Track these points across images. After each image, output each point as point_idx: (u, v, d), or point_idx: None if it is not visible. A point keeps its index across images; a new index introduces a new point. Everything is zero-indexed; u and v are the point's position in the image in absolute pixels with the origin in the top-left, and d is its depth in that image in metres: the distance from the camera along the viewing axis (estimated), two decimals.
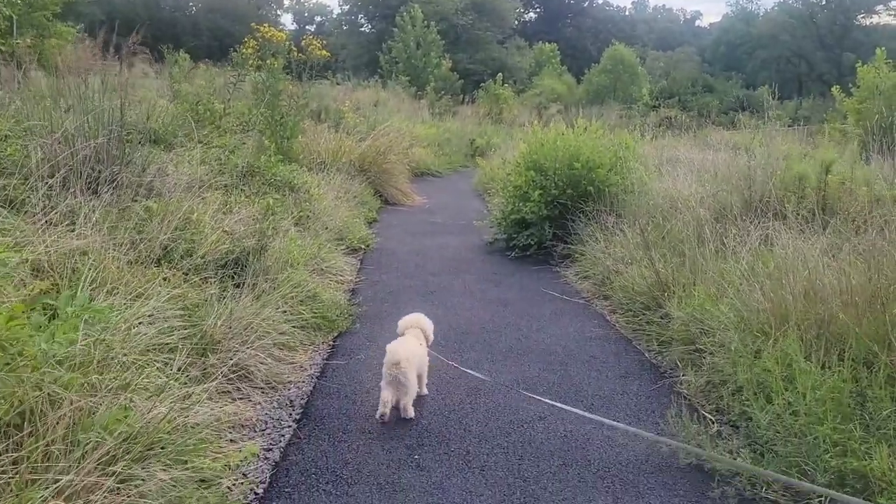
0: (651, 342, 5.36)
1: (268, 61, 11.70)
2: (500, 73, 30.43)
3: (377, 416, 4.02)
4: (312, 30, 62.98)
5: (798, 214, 6.09)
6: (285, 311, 5.44)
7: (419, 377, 4.30)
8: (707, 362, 4.38)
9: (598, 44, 59.64)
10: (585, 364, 5.05)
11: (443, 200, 13.92)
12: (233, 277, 5.52)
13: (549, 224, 8.40)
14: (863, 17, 61.27)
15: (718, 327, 4.50)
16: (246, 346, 4.60)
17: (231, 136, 10.65)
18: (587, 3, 70.94)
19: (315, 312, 5.71)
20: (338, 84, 27.84)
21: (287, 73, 12.25)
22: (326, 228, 8.51)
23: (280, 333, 5.07)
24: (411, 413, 4.10)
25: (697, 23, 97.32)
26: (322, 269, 7.11)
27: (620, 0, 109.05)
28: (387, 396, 4.00)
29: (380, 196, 12.96)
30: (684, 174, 9.14)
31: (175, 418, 3.40)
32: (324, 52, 12.78)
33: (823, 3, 60.69)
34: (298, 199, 8.75)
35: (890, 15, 60.35)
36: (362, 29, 54.52)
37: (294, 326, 5.40)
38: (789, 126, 29.28)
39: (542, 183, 8.44)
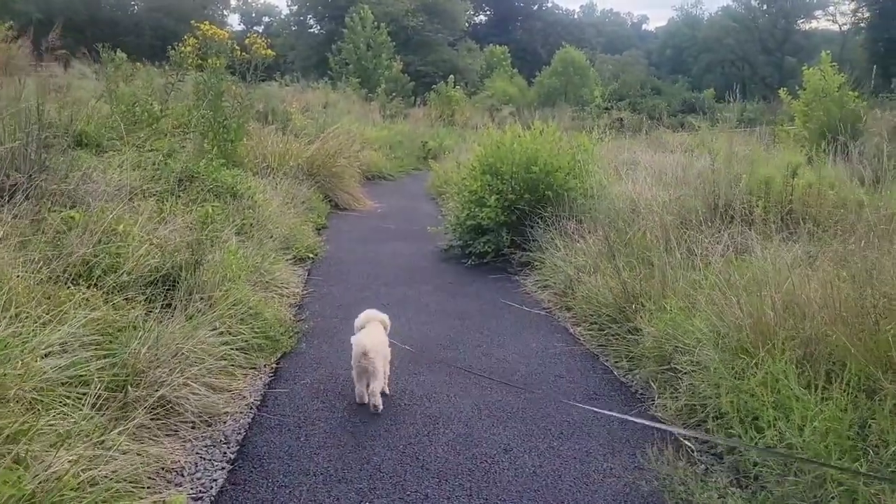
0: (619, 359, 5.00)
1: (209, 60, 11.08)
2: (451, 76, 30.06)
3: (357, 402, 4.28)
4: (260, 30, 61.71)
5: (766, 220, 5.81)
6: (222, 333, 4.92)
7: (385, 363, 4.45)
8: (684, 384, 4.02)
9: (547, 46, 59.88)
10: (551, 385, 4.66)
11: (395, 204, 13.45)
12: (163, 296, 4.98)
13: (506, 230, 8.02)
14: (802, 22, 62.84)
15: (694, 344, 4.15)
16: (175, 375, 4.08)
17: (169, 139, 10.04)
18: (536, 6, 71.17)
19: (257, 332, 5.20)
20: (287, 85, 27.15)
21: (231, 74, 11.66)
22: (272, 237, 7.97)
23: (216, 358, 4.55)
24: (379, 400, 4.20)
25: (644, 27, 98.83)
26: (266, 283, 6.58)
27: (569, 3, 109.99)
28: (361, 390, 4.26)
29: (329, 201, 12.43)
30: (643, 177, 8.87)
31: (82, 472, 2.88)
32: (268, 51, 12.19)
33: (765, 7, 61.98)
34: (241, 207, 8.19)
35: (828, 20, 62.02)
36: (311, 30, 53.62)
37: (233, 349, 4.89)
38: (736, 127, 29.64)
39: (498, 187, 8.05)
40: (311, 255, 8.35)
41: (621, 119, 23.93)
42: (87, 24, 45.31)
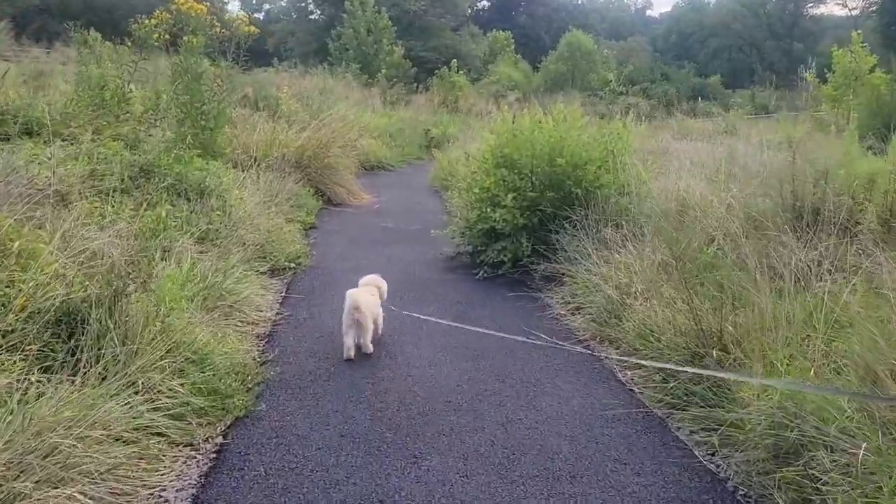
0: (705, 433, 3.53)
1: (186, 39, 9.60)
2: (454, 61, 28.45)
3: (344, 358, 4.52)
4: (261, 17, 59.97)
5: (888, 228, 4.35)
6: (147, 394, 3.49)
7: (375, 322, 4.78)
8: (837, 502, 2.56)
9: (551, 32, 58.04)
10: (610, 479, 3.20)
11: (395, 198, 11.98)
12: (68, 344, 3.54)
13: (526, 236, 6.55)
14: (811, 7, 60.89)
15: (841, 436, 2.69)
16: (54, 480, 2.65)
17: (135, 125, 8.59)
18: None
19: (199, 386, 3.76)
20: (284, 71, 25.62)
21: (212, 54, 10.18)
22: (244, 244, 6.52)
23: (125, 443, 3.12)
24: (371, 348, 4.66)
25: (648, 13, 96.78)
26: (229, 307, 5.13)
27: None
28: (349, 341, 4.57)
29: (321, 195, 10.97)
30: (684, 170, 7.41)
31: None
32: (251, 27, 10.71)
33: None
34: (208, 207, 6.73)
35: (837, 4, 60.07)
36: (311, 17, 51.85)
37: (163, 415, 3.46)
38: (755, 114, 28.11)
39: (515, 184, 6.58)
40: (292, 265, 6.88)
41: (635, 104, 22.37)
42: (83, 9, 43.63)
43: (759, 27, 57.19)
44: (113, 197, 6.19)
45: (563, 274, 6.03)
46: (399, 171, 16.50)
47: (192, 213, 6.49)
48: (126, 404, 3.34)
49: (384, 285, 5.15)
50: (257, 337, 4.96)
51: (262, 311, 5.39)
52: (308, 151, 11.20)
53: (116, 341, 3.60)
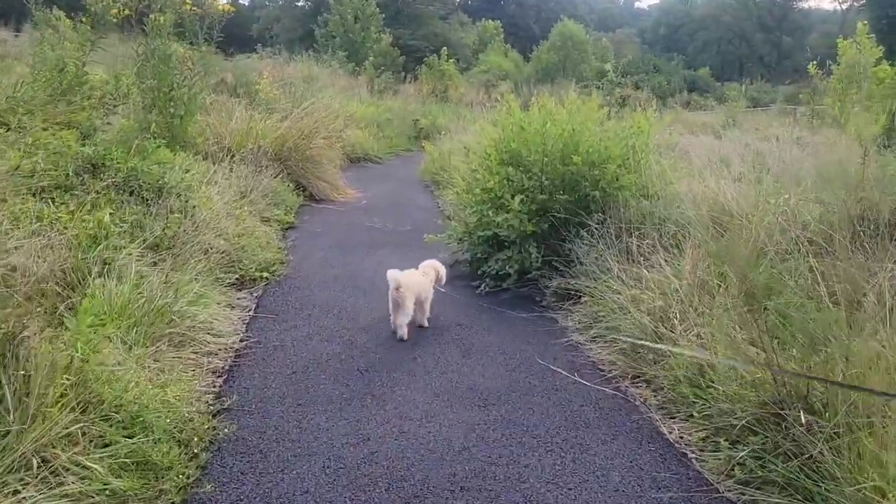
0: None
1: (152, 17, 8.59)
2: (444, 49, 27.39)
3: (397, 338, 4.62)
4: (246, 3, 58.48)
5: None
6: (45, 479, 2.53)
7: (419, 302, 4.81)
8: None
9: (540, 22, 57.10)
10: None
11: (383, 194, 11.02)
12: None
13: (535, 244, 5.62)
14: (800, 0, 60.21)
15: None
16: None
17: (90, 112, 7.58)
18: None
19: (125, 459, 2.81)
20: (268, 57, 24.48)
21: (185, 34, 9.15)
22: (207, 252, 5.54)
23: None
24: (405, 331, 4.62)
25: (637, 4, 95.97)
26: (180, 336, 4.17)
27: None
28: (399, 320, 4.62)
29: (302, 191, 9.99)
30: (710, 169, 6.52)
31: None
32: (227, 6, 9.70)
33: None
34: (166, 209, 5.75)
35: None
36: (298, 3, 50.51)
37: None
38: (752, 107, 27.24)
39: (522, 184, 5.65)
40: (265, 275, 5.91)
41: (628, 96, 21.43)
42: None
43: (748, 20, 56.39)
44: (53, 196, 5.24)
45: (579, 291, 5.11)
46: (387, 163, 15.55)
47: (145, 215, 5.51)
48: (12, 495, 2.40)
49: (443, 269, 5.15)
50: (213, 373, 3.99)
51: (222, 338, 4.42)
52: (289, 142, 10.20)
53: (10, 404, 2.65)
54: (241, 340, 4.48)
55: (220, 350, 4.30)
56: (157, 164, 6.92)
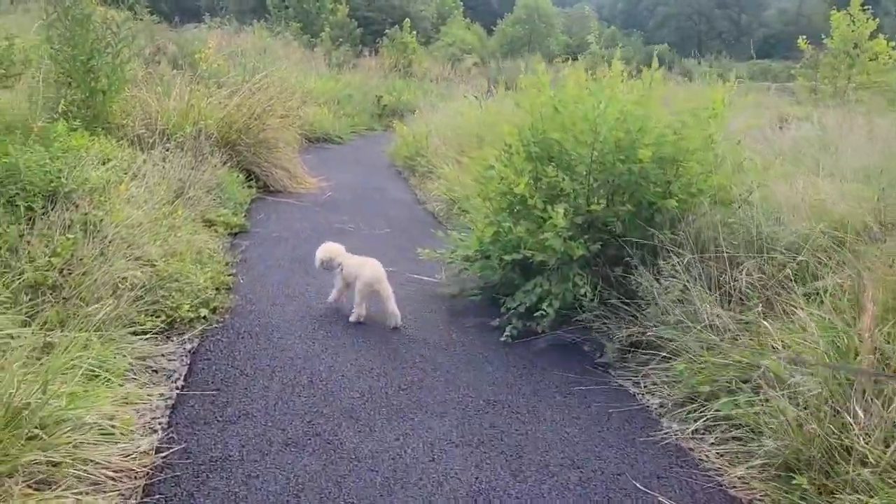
0: None
1: None
2: (406, 21, 25.38)
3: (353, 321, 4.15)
4: None
5: None
6: None
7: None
8: None
9: None
10: None
11: (350, 182, 9.29)
12: None
13: (579, 271, 4.00)
14: None
15: None
16: None
17: None
18: None
19: None
20: (217, 27, 22.20)
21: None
22: (117, 290, 3.78)
23: None
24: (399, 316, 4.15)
25: None
26: (52, 464, 2.45)
27: None
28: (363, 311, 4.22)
29: (255, 181, 8.21)
30: (780, 161, 5.02)
31: None
32: None
33: None
34: (57, 224, 3.96)
35: None
36: None
37: None
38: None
39: (561, 188, 4.01)
40: (203, 314, 4.18)
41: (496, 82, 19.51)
42: None
43: None
44: None
45: (659, 345, 3.53)
46: (350, 144, 13.78)
47: (23, 237, 3.73)
48: None
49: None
50: None
51: (125, 452, 2.71)
52: (238, 123, 8.38)
53: None
54: (158, 452, 2.77)
55: (121, 474, 2.60)
56: (62, 154, 5.13)
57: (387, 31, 26.29)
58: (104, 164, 5.83)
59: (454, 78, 22.38)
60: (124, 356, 3.36)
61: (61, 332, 3.20)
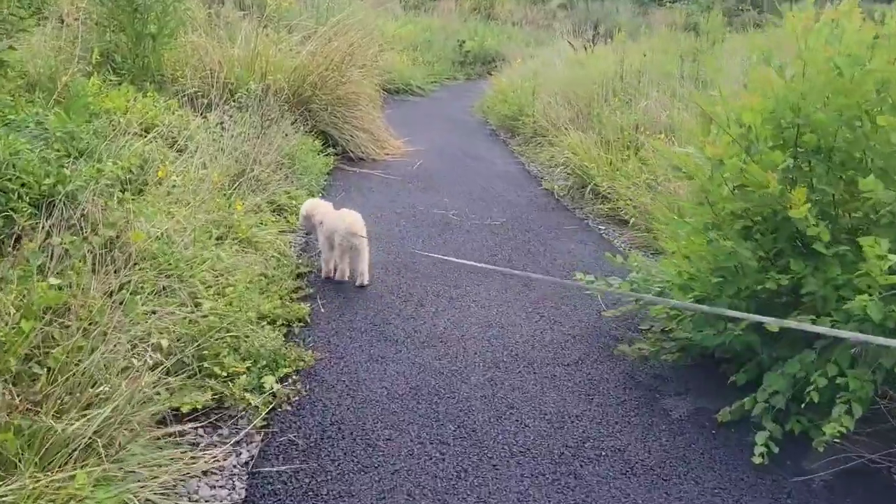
0: None
1: None
2: None
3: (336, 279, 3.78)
4: None
5: None
6: None
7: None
8: None
9: None
10: None
11: (439, 147, 7.67)
12: None
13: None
14: None
15: None
16: None
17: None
18: None
19: None
20: None
21: None
22: (126, 371, 2.29)
23: None
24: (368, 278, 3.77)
25: None
26: None
27: None
28: (343, 267, 3.82)
29: (333, 146, 6.67)
30: None
31: None
32: None
33: None
34: (48, 248, 2.47)
35: None
36: None
37: None
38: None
39: (862, 204, 2.29)
40: (269, 385, 2.67)
41: (597, 26, 16.72)
42: None
43: None
44: None
45: None
46: (432, 96, 12.05)
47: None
48: None
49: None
50: None
51: None
52: (312, 75, 6.80)
53: None
54: None
55: None
56: (86, 122, 3.75)
57: None
58: (145, 132, 4.40)
59: (540, 20, 20.20)
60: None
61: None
